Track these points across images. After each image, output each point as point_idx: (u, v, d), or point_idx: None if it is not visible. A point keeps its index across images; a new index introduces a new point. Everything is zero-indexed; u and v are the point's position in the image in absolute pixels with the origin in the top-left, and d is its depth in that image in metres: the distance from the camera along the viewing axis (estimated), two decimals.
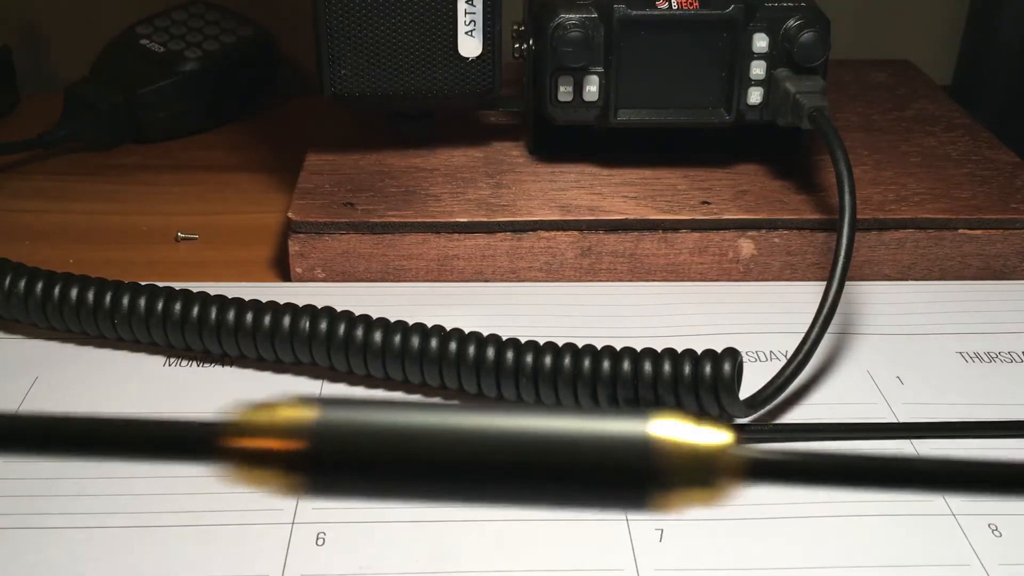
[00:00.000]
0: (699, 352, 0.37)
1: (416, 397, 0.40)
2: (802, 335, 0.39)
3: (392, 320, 0.39)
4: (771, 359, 0.42)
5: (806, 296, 0.45)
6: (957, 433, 0.38)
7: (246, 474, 0.17)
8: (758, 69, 0.47)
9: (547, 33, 0.46)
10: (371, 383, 0.40)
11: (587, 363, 0.37)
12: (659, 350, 0.37)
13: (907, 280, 0.48)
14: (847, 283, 0.41)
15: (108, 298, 0.41)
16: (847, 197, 0.42)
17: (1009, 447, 0.38)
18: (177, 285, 0.41)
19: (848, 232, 0.41)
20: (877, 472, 0.18)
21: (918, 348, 0.43)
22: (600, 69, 0.47)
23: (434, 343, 0.38)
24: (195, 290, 0.41)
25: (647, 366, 0.37)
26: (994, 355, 0.43)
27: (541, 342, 0.38)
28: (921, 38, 0.70)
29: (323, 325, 0.39)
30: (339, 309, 0.40)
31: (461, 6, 0.47)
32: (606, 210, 0.47)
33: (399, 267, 0.47)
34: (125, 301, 0.41)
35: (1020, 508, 0.35)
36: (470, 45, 0.48)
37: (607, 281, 0.47)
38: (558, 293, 0.46)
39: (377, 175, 0.49)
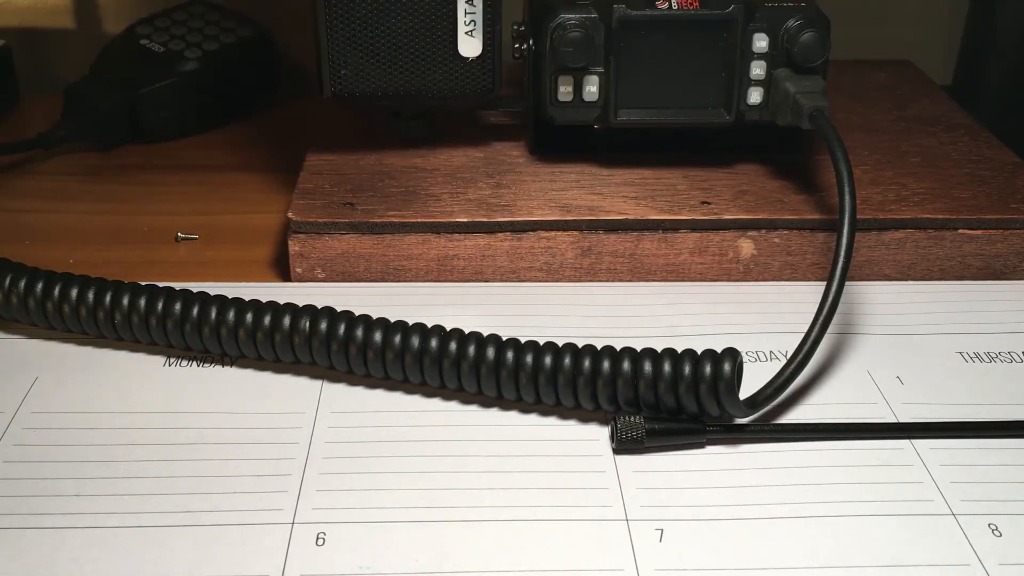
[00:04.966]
0: (699, 352, 0.37)
1: (417, 397, 0.40)
2: (802, 335, 0.39)
3: (392, 320, 0.39)
4: (771, 359, 0.42)
5: (806, 296, 0.45)
6: (957, 433, 0.38)
7: None
8: (758, 69, 0.47)
9: (547, 33, 0.46)
10: (371, 383, 0.40)
11: (587, 363, 0.37)
12: (659, 350, 0.37)
13: (907, 280, 0.48)
14: (847, 283, 0.40)
15: (108, 298, 0.41)
16: (847, 197, 0.42)
17: (1009, 447, 0.38)
18: (177, 285, 0.41)
19: (848, 232, 0.41)
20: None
21: (918, 348, 0.43)
22: (600, 69, 0.47)
23: (434, 343, 0.38)
24: (195, 290, 0.41)
25: (647, 366, 0.37)
26: (994, 355, 0.43)
27: (541, 342, 0.38)
28: (921, 38, 0.70)
29: (323, 325, 0.39)
30: (339, 309, 0.40)
31: (461, 6, 0.47)
32: (606, 210, 0.47)
33: (399, 267, 0.47)
34: (125, 301, 0.41)
35: (1020, 508, 0.35)
36: (470, 45, 0.48)
37: (607, 281, 0.47)
38: (558, 293, 0.46)
39: (377, 175, 0.49)
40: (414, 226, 0.46)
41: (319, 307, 0.40)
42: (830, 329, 0.40)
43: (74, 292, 0.41)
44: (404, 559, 0.33)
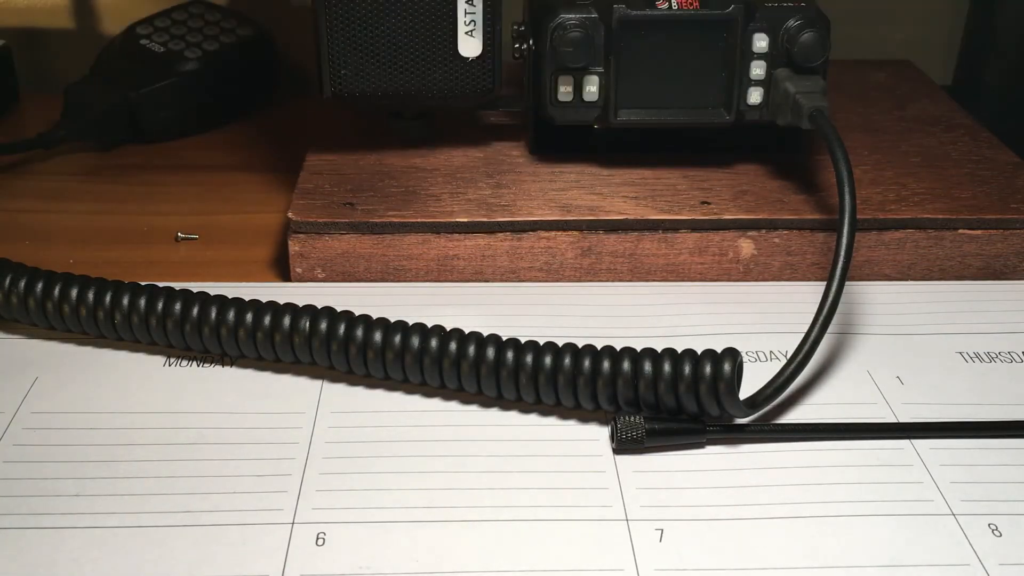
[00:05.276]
0: (699, 352, 0.37)
1: (417, 397, 0.40)
2: (802, 335, 0.39)
3: (392, 320, 0.39)
4: (771, 359, 0.42)
5: (806, 296, 0.45)
6: (957, 433, 0.38)
7: None
8: (758, 69, 0.47)
9: (547, 33, 0.46)
10: (371, 383, 0.40)
11: (587, 363, 0.37)
12: (659, 350, 0.37)
13: (907, 280, 0.48)
14: (847, 283, 0.41)
15: (108, 298, 0.41)
16: (847, 197, 0.42)
17: (1009, 447, 0.38)
18: (177, 285, 0.41)
19: (848, 232, 0.41)
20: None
21: (918, 348, 0.43)
22: (600, 69, 0.47)
23: (434, 343, 0.38)
24: (195, 290, 0.41)
25: (647, 366, 0.37)
26: (994, 355, 0.43)
27: (541, 342, 0.38)
28: (921, 38, 0.70)
29: (323, 325, 0.39)
30: (339, 309, 0.40)
31: (461, 6, 0.47)
32: (606, 210, 0.47)
33: (399, 267, 0.47)
34: (125, 301, 0.41)
35: (1020, 508, 0.35)
36: (470, 45, 0.48)
37: (607, 281, 0.47)
38: (558, 293, 0.46)
39: (377, 175, 0.49)
40: (414, 226, 0.46)
41: (319, 307, 0.40)
42: (830, 329, 0.40)
43: (74, 292, 0.41)
44: (404, 559, 0.33)
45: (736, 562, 0.33)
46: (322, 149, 0.52)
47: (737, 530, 0.34)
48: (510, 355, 0.38)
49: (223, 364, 0.41)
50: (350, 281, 0.47)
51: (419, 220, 0.46)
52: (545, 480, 0.36)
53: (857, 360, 0.42)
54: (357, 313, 0.40)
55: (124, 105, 0.58)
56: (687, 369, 0.37)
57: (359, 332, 0.39)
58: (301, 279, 0.47)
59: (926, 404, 0.40)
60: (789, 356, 0.39)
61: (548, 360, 0.38)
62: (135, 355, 0.42)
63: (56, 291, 0.41)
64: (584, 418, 0.39)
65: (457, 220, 0.46)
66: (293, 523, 0.34)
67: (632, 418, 0.37)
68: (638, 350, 0.38)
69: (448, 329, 0.39)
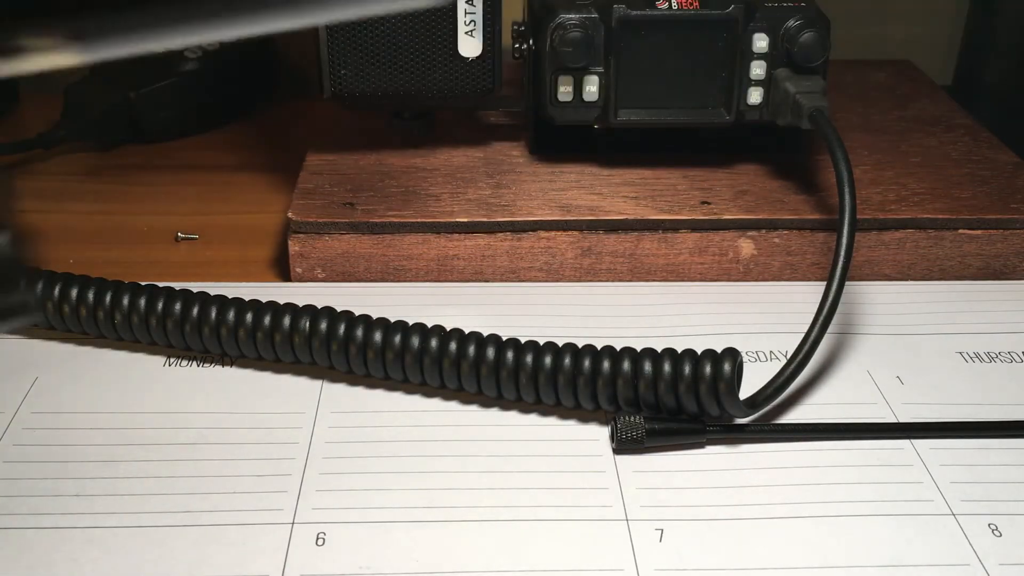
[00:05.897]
0: (699, 352, 0.37)
1: (417, 397, 0.40)
2: (802, 335, 0.39)
3: (392, 320, 0.39)
4: (771, 359, 0.42)
5: (806, 296, 0.45)
6: (957, 433, 0.38)
7: None
8: (758, 69, 0.47)
9: (547, 33, 0.46)
10: (371, 383, 0.40)
11: (587, 363, 0.37)
12: (659, 350, 0.37)
13: (907, 280, 0.48)
14: (847, 283, 0.40)
15: (108, 298, 0.41)
16: (847, 197, 0.42)
17: (1009, 447, 0.38)
18: (177, 285, 0.41)
19: (848, 232, 0.41)
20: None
21: (918, 348, 0.43)
22: (600, 69, 0.47)
23: (434, 343, 0.38)
24: (195, 290, 0.41)
25: (647, 366, 0.37)
26: (994, 355, 0.43)
27: (541, 342, 0.38)
28: (921, 38, 0.70)
29: (323, 325, 0.39)
30: (339, 309, 0.40)
31: (461, 6, 0.47)
32: (606, 210, 0.47)
33: (399, 267, 0.47)
34: (125, 301, 0.41)
35: (1020, 508, 0.35)
36: (470, 45, 0.48)
37: (607, 281, 0.47)
38: (558, 293, 0.46)
39: (377, 175, 0.49)
40: (414, 226, 0.46)
41: (319, 307, 0.40)
42: (830, 329, 0.40)
43: (74, 292, 0.41)
44: (404, 559, 0.33)
45: (736, 562, 0.33)
46: (322, 149, 0.52)
47: (737, 530, 0.34)
48: (510, 355, 0.38)
49: (223, 364, 0.41)
50: (350, 281, 0.47)
51: (419, 220, 0.46)
52: (545, 480, 0.36)
53: (857, 360, 0.42)
54: (357, 313, 0.40)
55: (124, 105, 0.58)
56: (687, 369, 0.37)
57: (359, 332, 0.39)
58: (301, 279, 0.47)
59: (926, 404, 0.40)
60: (789, 356, 0.39)
61: (548, 360, 0.38)
62: (135, 355, 0.42)
63: (56, 291, 0.41)
64: (584, 418, 0.39)
65: (457, 220, 0.46)
66: (293, 523, 0.34)
67: (632, 418, 0.37)
68: (638, 350, 0.38)
69: (448, 329, 0.39)
